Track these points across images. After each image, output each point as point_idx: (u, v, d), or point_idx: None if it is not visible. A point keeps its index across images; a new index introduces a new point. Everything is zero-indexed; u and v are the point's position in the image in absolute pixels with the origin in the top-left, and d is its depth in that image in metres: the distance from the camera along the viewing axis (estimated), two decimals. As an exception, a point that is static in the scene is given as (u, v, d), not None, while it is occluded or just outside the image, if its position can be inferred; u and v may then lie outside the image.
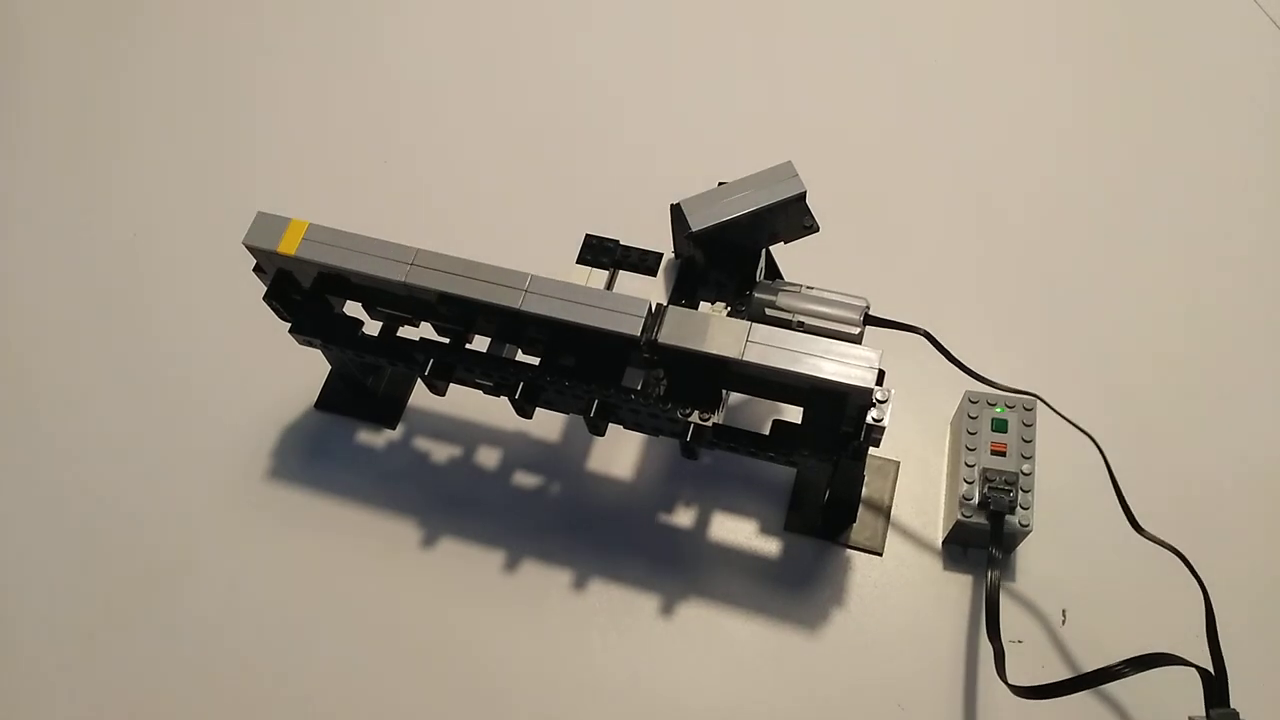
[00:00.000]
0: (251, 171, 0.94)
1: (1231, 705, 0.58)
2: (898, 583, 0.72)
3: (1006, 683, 0.61)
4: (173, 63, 1.02)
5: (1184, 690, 0.60)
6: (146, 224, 0.92)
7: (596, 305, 0.62)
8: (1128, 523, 0.66)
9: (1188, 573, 0.64)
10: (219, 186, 0.93)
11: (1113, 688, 0.63)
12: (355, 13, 1.04)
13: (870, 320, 0.65)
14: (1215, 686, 0.59)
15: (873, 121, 0.94)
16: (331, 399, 0.81)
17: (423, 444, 0.79)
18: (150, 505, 0.77)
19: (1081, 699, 0.64)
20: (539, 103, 0.97)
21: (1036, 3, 1.01)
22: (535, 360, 0.66)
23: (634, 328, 0.61)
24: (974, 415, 0.70)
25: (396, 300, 0.67)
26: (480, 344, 0.69)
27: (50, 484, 0.79)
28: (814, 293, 0.66)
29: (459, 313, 0.65)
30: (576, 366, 0.64)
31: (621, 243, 0.69)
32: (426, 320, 0.67)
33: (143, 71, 1.02)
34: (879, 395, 0.60)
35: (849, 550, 0.73)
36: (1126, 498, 0.66)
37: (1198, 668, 0.59)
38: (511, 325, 0.65)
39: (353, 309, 0.72)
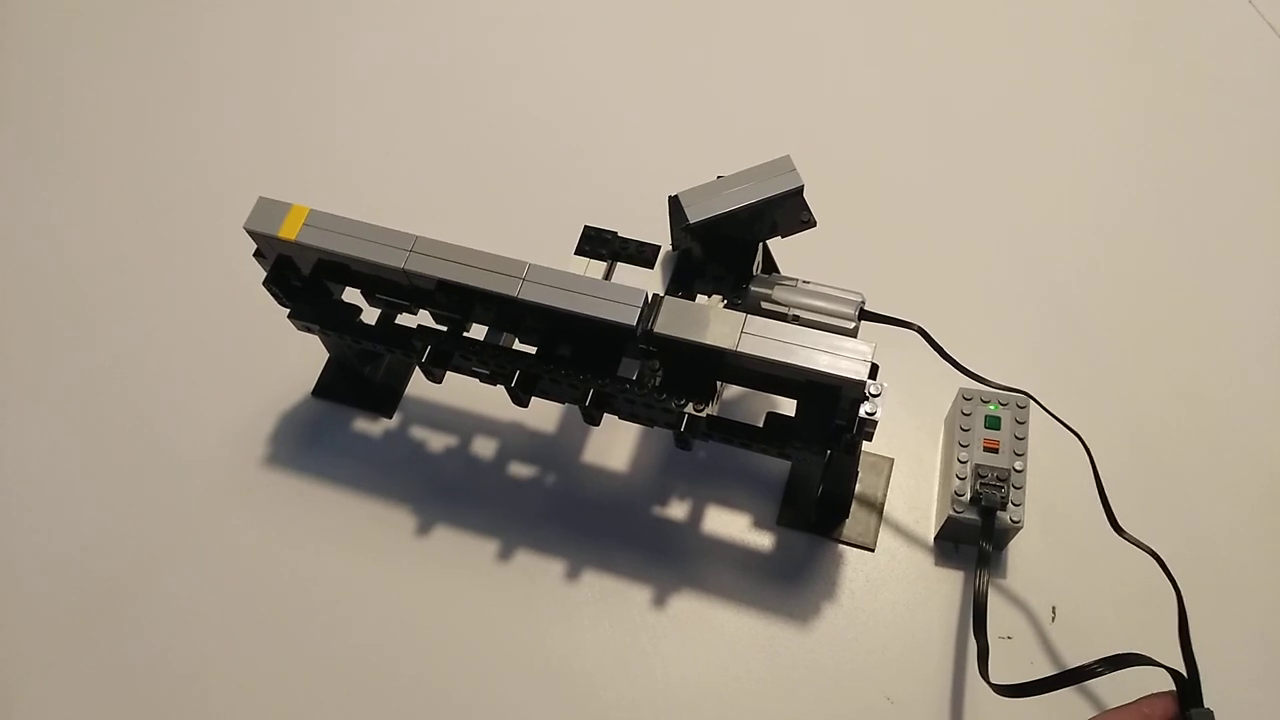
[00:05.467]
0: (253, 159, 0.95)
1: (1207, 705, 0.59)
2: (889, 578, 0.73)
3: (987, 681, 0.62)
4: (174, 49, 1.03)
5: (1166, 687, 0.61)
6: (148, 208, 0.92)
7: (593, 295, 0.62)
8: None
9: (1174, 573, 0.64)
10: (221, 172, 0.94)
11: (1097, 683, 0.64)
12: (358, 3, 1.05)
13: (865, 315, 0.65)
14: (1188, 687, 0.59)
15: (871, 118, 0.95)
16: (329, 387, 0.81)
17: (419, 433, 0.79)
18: (146, 489, 0.78)
19: (1067, 694, 0.64)
20: (541, 94, 0.97)
21: (1035, 7, 1.01)
22: (533, 349, 0.67)
23: (630, 317, 0.61)
24: (967, 412, 0.71)
25: (395, 288, 0.67)
26: (477, 333, 0.69)
27: (46, 468, 0.79)
28: (810, 287, 0.66)
29: (457, 300, 0.65)
30: (573, 356, 0.65)
31: (620, 234, 0.70)
32: (424, 308, 0.67)
33: (143, 58, 1.02)
34: (872, 389, 0.60)
35: (841, 545, 0.74)
36: (1114, 497, 0.67)
37: (1169, 669, 0.60)
38: (509, 313, 0.65)
39: (352, 297, 0.72)
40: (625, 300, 0.62)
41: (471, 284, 0.63)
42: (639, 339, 0.62)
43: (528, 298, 0.63)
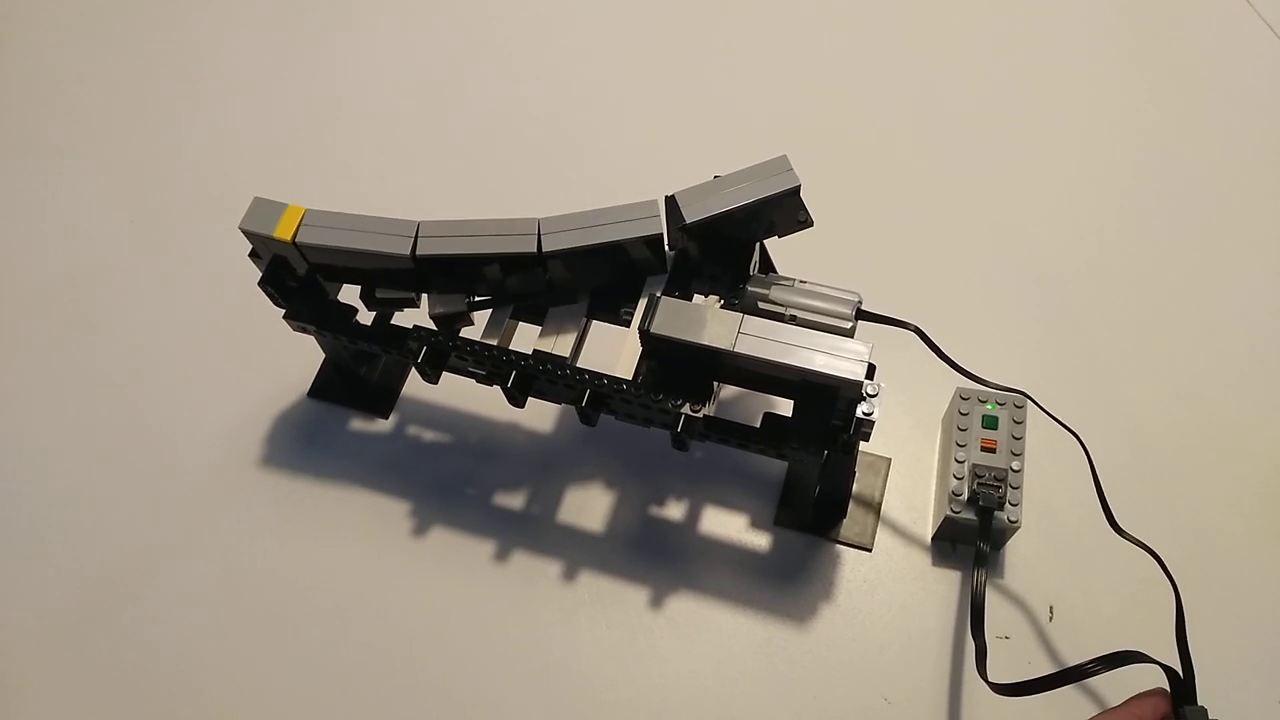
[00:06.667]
0: (248, 158, 0.94)
1: (1201, 703, 0.59)
2: (886, 578, 0.72)
3: (986, 680, 0.62)
4: (169, 49, 1.02)
5: (1162, 685, 0.61)
6: (142, 209, 0.92)
7: (611, 222, 0.64)
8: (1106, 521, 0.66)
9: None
10: (216, 172, 0.94)
11: (1095, 680, 0.64)
12: (354, 2, 1.05)
13: (862, 315, 0.65)
14: (1182, 685, 0.60)
15: (868, 117, 0.94)
16: (325, 387, 0.81)
17: (415, 433, 0.79)
18: (141, 490, 0.78)
19: (1065, 692, 0.64)
20: (536, 94, 0.97)
21: (1033, 5, 1.01)
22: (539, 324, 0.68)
23: (656, 227, 0.63)
24: (965, 412, 0.71)
25: (397, 278, 0.67)
26: (473, 332, 0.69)
27: (42, 469, 0.79)
28: (807, 287, 0.66)
29: (469, 275, 0.65)
30: (600, 290, 0.67)
31: (616, 234, 0.69)
32: (428, 291, 0.67)
33: (137, 58, 1.02)
34: (869, 389, 0.60)
35: (838, 545, 0.74)
36: (1111, 497, 0.67)
37: (1164, 666, 0.60)
38: (527, 272, 0.65)
39: (347, 297, 0.72)
40: (642, 215, 0.64)
41: (488, 251, 0.64)
42: (672, 237, 0.64)
43: (550, 248, 0.63)
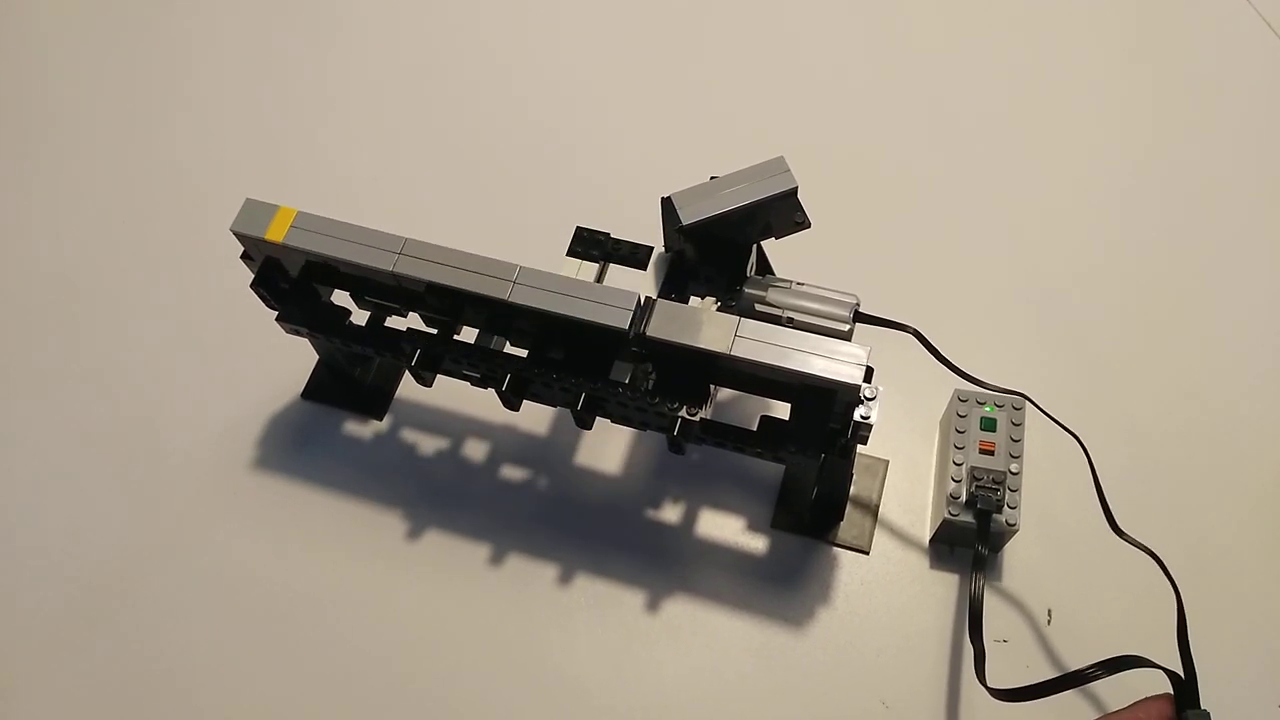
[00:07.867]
0: (241, 160, 0.94)
1: (1203, 707, 0.58)
2: (884, 581, 0.72)
3: (985, 685, 0.61)
4: (161, 49, 1.02)
5: (1164, 689, 0.60)
6: (134, 210, 0.91)
7: (584, 297, 0.62)
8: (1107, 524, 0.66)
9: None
10: (208, 173, 0.93)
11: (1093, 685, 0.63)
12: (348, 3, 1.04)
13: (860, 318, 0.65)
14: (1185, 689, 0.59)
15: (866, 118, 0.94)
16: (318, 389, 0.80)
17: (410, 435, 0.79)
18: (134, 492, 0.77)
19: (1065, 696, 0.64)
20: (533, 94, 0.97)
21: (1029, 7, 1.01)
22: (523, 352, 0.66)
23: (622, 320, 0.61)
24: (963, 414, 0.70)
25: (384, 290, 0.67)
26: (468, 335, 0.68)
27: (33, 472, 0.78)
28: (804, 289, 0.66)
29: (447, 303, 0.64)
30: (564, 359, 0.64)
31: (612, 236, 0.69)
32: (414, 310, 0.67)
33: (129, 59, 1.01)
34: (867, 392, 0.59)
35: (836, 548, 0.73)
36: (1111, 500, 0.66)
37: (1167, 670, 0.59)
38: (500, 316, 0.64)
39: (341, 299, 0.71)
40: (617, 303, 0.61)
41: (461, 286, 0.63)
42: (631, 342, 0.61)
43: (518, 300, 0.62)
